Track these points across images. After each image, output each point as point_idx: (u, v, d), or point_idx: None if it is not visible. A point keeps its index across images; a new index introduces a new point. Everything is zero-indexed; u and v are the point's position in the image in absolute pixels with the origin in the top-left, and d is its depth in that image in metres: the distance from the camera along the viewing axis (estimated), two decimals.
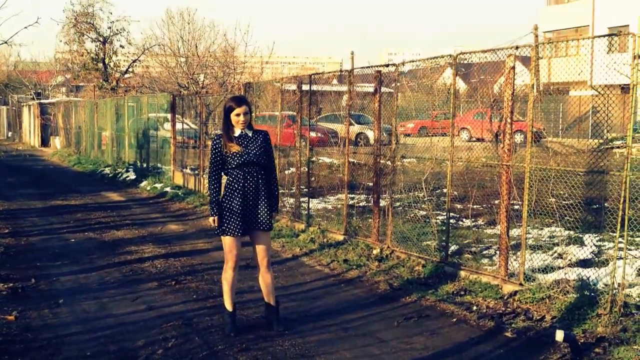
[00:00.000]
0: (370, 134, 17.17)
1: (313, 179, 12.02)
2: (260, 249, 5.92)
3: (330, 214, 11.44)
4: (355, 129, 17.97)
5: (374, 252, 8.91)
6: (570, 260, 7.68)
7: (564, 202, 8.50)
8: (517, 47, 6.99)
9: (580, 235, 8.86)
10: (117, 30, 32.91)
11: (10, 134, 45.17)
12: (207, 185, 5.92)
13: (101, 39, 32.85)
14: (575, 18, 37.74)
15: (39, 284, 7.65)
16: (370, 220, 9.77)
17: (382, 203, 9.46)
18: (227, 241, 5.82)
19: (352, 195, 11.12)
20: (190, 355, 5.36)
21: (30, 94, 44.03)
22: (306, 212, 11.01)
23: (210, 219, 5.87)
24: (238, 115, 5.75)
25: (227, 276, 5.88)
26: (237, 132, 5.81)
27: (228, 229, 5.78)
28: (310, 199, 11.33)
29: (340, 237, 9.80)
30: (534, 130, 7.03)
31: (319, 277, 8.11)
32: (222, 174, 5.87)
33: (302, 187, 11.44)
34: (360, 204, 11.47)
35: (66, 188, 17.49)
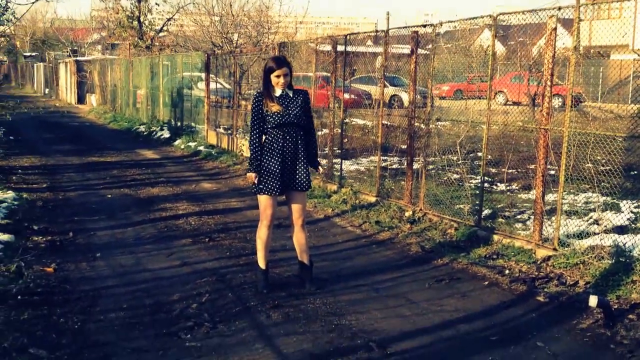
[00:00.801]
0: (405, 97, 17.00)
1: (346, 140, 11.99)
2: (296, 208, 5.95)
3: (363, 176, 11.43)
4: (390, 91, 17.81)
5: (406, 214, 8.90)
6: (606, 226, 7.58)
7: (601, 167, 8.36)
8: (559, 8, 6.80)
9: (617, 202, 8.73)
10: None
11: (47, 90, 45.75)
12: (248, 141, 5.94)
13: None
14: None
15: (77, 238, 7.82)
16: (402, 182, 9.74)
17: (416, 166, 9.41)
18: (263, 200, 5.86)
19: (385, 158, 11.07)
20: (223, 311, 5.45)
21: (67, 52, 44.43)
22: (339, 173, 11.02)
23: (250, 174, 5.89)
24: (278, 76, 5.74)
25: (262, 234, 5.94)
26: (278, 92, 5.80)
27: (265, 188, 5.81)
28: (343, 161, 11.33)
29: (373, 199, 9.80)
30: (573, 95, 6.88)
31: (350, 237, 8.15)
32: (263, 132, 5.88)
33: (335, 148, 11.43)
34: (393, 167, 11.43)
35: (102, 145, 17.74)
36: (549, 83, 6.96)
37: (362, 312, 5.48)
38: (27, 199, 9.78)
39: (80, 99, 35.67)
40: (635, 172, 10.05)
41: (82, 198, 10.35)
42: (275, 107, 5.77)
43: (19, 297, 5.63)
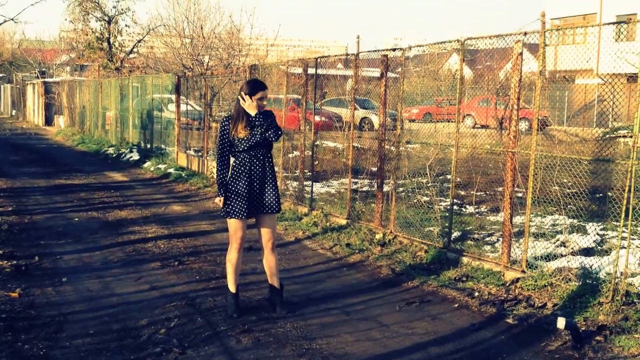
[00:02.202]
0: (375, 119, 17.13)
1: (317, 162, 12.02)
2: (265, 232, 5.93)
3: (334, 198, 11.45)
4: (360, 113, 17.95)
5: (377, 236, 8.93)
6: (572, 248, 7.69)
7: (567, 190, 8.50)
8: (525, 33, 6.95)
9: (583, 224, 8.87)
10: (123, 9, 32.82)
11: (14, 112, 45.14)
12: (215, 165, 5.92)
13: (106, 18, 32.74)
14: (583, 5, 37.46)
15: (43, 262, 7.69)
16: (373, 205, 9.78)
17: (386, 188, 9.46)
18: (232, 223, 5.84)
19: (356, 180, 11.12)
20: (192, 335, 5.39)
21: (35, 73, 43.96)
22: (309, 195, 11.02)
23: (217, 199, 5.89)
24: (261, 99, 5.76)
25: (232, 258, 5.90)
26: (253, 113, 5.77)
27: (233, 211, 5.79)
28: (314, 183, 11.34)
29: (343, 222, 9.82)
30: (539, 118, 7.00)
31: (321, 260, 8.14)
32: (230, 155, 5.88)
33: (306, 170, 11.44)
34: (364, 189, 11.48)
35: (70, 167, 17.52)
36: (515, 107, 7.07)
37: (333, 336, 5.46)
38: None
39: (48, 121, 35.26)
40: (601, 194, 10.23)
41: (48, 221, 10.18)
42: (243, 133, 5.77)
43: None
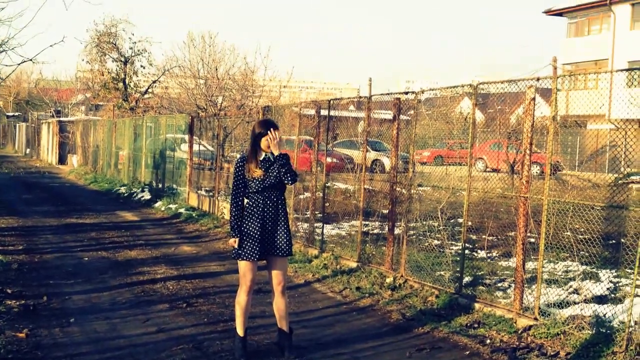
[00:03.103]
0: (386, 161, 17.14)
1: (327, 204, 12.00)
2: (276, 274, 5.89)
3: (344, 241, 11.39)
4: (372, 155, 17.97)
5: (387, 280, 8.84)
6: (585, 295, 7.57)
7: (580, 236, 8.40)
8: (538, 79, 6.97)
9: (596, 271, 8.75)
10: (139, 50, 33.29)
11: (28, 150, 45.63)
12: (229, 205, 5.91)
13: (122, 59, 33.23)
14: (595, 51, 37.70)
15: (51, 302, 7.65)
16: (384, 248, 9.71)
17: (397, 231, 9.41)
18: (243, 265, 5.80)
19: (367, 222, 11.07)
20: None
21: (50, 112, 44.56)
22: (320, 237, 10.97)
23: (231, 240, 5.85)
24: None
25: (241, 300, 5.85)
26: (262, 155, 5.81)
27: (244, 253, 5.76)
28: (325, 225, 11.30)
29: (354, 264, 9.75)
30: (551, 163, 6.98)
31: (331, 304, 8.05)
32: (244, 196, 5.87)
33: (317, 212, 11.42)
34: (375, 232, 11.42)
35: (81, 206, 17.59)
36: (528, 152, 7.05)
37: None
38: (2, 261, 9.60)
39: (62, 160, 35.58)
40: (614, 241, 10.12)
41: (58, 261, 10.18)
42: (257, 173, 5.78)
43: None
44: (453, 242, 10.44)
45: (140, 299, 7.97)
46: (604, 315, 6.57)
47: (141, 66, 33.66)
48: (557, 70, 7.12)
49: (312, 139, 11.70)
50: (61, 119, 38.45)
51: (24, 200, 18.83)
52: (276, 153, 5.76)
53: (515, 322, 6.90)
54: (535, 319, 6.78)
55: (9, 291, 7.91)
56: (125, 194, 20.51)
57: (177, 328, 6.75)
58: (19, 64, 12.32)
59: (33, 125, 44.92)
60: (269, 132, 5.76)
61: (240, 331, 5.89)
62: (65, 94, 48.89)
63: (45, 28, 22.41)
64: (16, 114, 55.66)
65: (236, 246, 5.80)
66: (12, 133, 54.29)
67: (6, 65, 14.54)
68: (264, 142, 5.78)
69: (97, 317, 7.10)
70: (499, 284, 8.59)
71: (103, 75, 33.69)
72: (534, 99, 7.06)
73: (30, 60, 11.70)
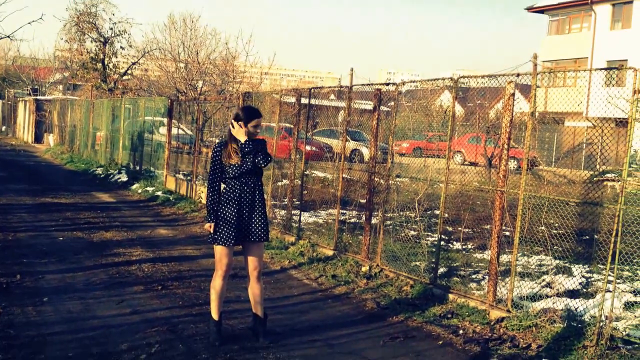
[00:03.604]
0: (365, 151, 17.18)
1: (306, 192, 12.01)
2: (252, 260, 5.89)
3: (321, 229, 11.42)
4: (351, 145, 18.02)
5: (363, 269, 8.89)
6: (558, 289, 7.69)
7: (554, 231, 8.52)
8: (518, 75, 7.03)
9: (569, 266, 8.89)
10: (119, 31, 32.91)
11: (4, 128, 44.98)
12: (205, 191, 5.89)
13: (102, 39, 32.83)
14: (575, 49, 38.08)
15: (24, 281, 7.59)
16: (360, 237, 9.76)
17: (374, 221, 9.45)
18: (219, 250, 5.80)
19: (344, 211, 11.11)
20: None
21: (27, 90, 43.91)
22: (297, 225, 10.99)
23: (207, 224, 5.85)
24: (255, 126, 5.77)
25: (216, 285, 5.85)
26: (243, 139, 5.78)
27: (220, 238, 5.76)
28: (302, 212, 11.31)
29: (330, 252, 9.78)
30: (528, 158, 7.05)
31: (306, 291, 8.08)
32: (221, 181, 5.87)
33: (295, 199, 11.43)
34: (352, 220, 11.46)
35: (57, 186, 17.41)
36: (506, 146, 7.12)
37: None
38: None
39: (38, 138, 35.14)
40: (587, 237, 10.27)
41: (32, 239, 10.08)
42: (234, 159, 5.77)
43: None
44: (429, 234, 10.52)
45: (115, 280, 7.93)
46: (576, 309, 6.68)
47: (121, 47, 33.32)
48: (537, 67, 7.19)
49: (292, 126, 11.69)
50: (38, 97, 37.92)
51: None
52: (242, 140, 5.74)
53: (489, 314, 6.99)
54: (508, 311, 6.87)
55: None
56: (102, 175, 20.34)
57: (151, 310, 6.74)
58: None
59: (9, 102, 44.27)
60: (230, 123, 5.78)
61: (215, 315, 5.89)
62: (43, 73, 48.19)
63: (24, 5, 22.00)
64: None
65: (211, 231, 5.79)
66: None
67: None
68: (251, 128, 5.77)
69: (71, 297, 7.06)
70: (473, 276, 8.68)
71: (82, 55, 33.28)
72: (513, 94, 7.12)
73: (8, 37, 11.51)
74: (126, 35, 33.06)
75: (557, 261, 8.68)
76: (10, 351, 5.32)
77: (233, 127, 5.79)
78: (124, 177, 19.04)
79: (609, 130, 7.77)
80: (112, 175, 19.77)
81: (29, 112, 36.38)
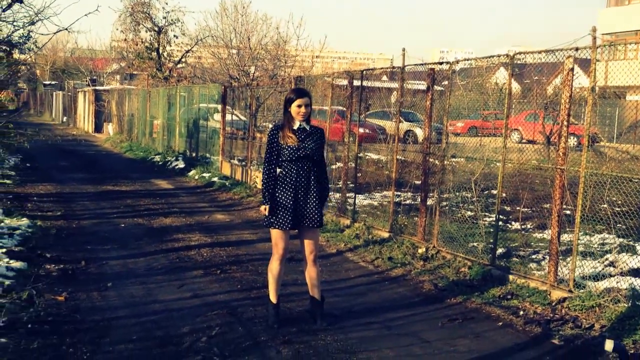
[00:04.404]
0: (419, 132, 17.01)
1: (360, 174, 11.98)
2: (308, 244, 5.92)
3: (376, 211, 11.39)
4: (404, 126, 17.84)
5: (420, 251, 8.84)
6: (622, 268, 7.48)
7: (617, 208, 8.28)
8: (577, 49, 6.81)
9: (634, 244, 8.63)
10: (172, 20, 33.30)
11: (65, 119, 46.26)
12: (262, 173, 5.94)
13: (156, 28, 33.31)
14: (635, 21, 36.69)
15: (89, 267, 7.82)
16: (416, 218, 9.69)
17: (429, 202, 9.37)
18: (275, 234, 5.84)
19: (399, 193, 11.04)
20: (233, 345, 5.40)
21: (86, 81, 45.03)
22: (352, 207, 10.98)
23: (262, 207, 5.89)
24: (299, 106, 5.77)
25: (273, 268, 5.91)
26: (296, 124, 5.82)
27: (277, 222, 5.79)
28: (357, 195, 11.30)
29: (386, 235, 9.75)
30: (589, 135, 6.85)
31: (362, 273, 8.09)
32: (277, 165, 5.90)
33: (349, 182, 11.42)
34: (407, 202, 11.39)
35: (117, 174, 17.84)
36: (565, 123, 6.93)
37: (373, 350, 5.41)
38: (41, 227, 9.81)
39: (98, 128, 36.02)
40: None
41: (95, 227, 10.37)
42: (291, 140, 5.78)
43: (30, 325, 5.62)
44: (486, 214, 10.36)
45: (175, 265, 8.10)
46: None
47: (174, 36, 33.73)
48: (596, 40, 6.96)
49: (344, 109, 11.66)
50: (97, 87, 38.83)
51: (61, 167, 19.16)
52: (295, 125, 5.77)
53: (550, 294, 6.86)
54: (570, 291, 6.73)
55: (48, 255, 8.11)
56: (160, 163, 20.74)
57: (211, 294, 6.86)
58: (55, 33, 12.38)
59: (69, 93, 45.45)
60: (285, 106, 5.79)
61: (273, 298, 5.96)
62: (100, 63, 49.33)
63: None
64: (53, 82, 56.37)
65: (267, 214, 5.83)
66: (49, 101, 55.06)
67: (42, 34, 14.67)
68: (294, 109, 5.78)
69: (133, 282, 7.24)
70: (533, 256, 8.52)
71: (137, 45, 33.85)
72: (572, 69, 6.91)
73: (66, 29, 11.74)
74: (179, 24, 33.44)
75: (621, 239, 8.43)
76: (77, 335, 5.50)
77: (289, 107, 5.82)
78: (181, 164, 19.37)
79: None
80: (169, 162, 20.14)
81: (88, 103, 37.31)
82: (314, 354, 5.27)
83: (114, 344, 5.34)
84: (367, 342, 5.60)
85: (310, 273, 5.98)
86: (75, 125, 41.47)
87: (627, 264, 7.56)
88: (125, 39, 34.38)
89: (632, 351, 5.42)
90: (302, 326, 5.90)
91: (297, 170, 5.81)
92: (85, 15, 9.90)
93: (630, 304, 6.22)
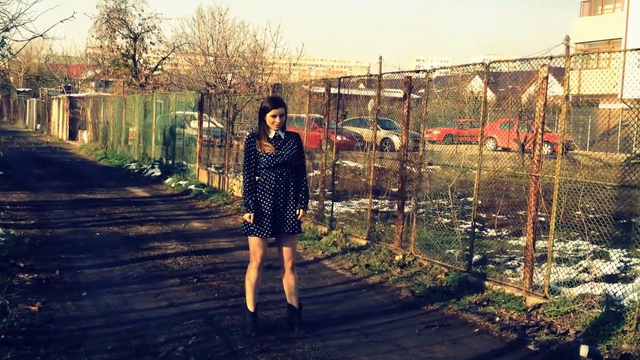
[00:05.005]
0: (396, 140, 17.09)
1: (337, 182, 12.01)
2: (286, 251, 5.91)
3: (354, 218, 11.41)
4: (381, 134, 17.92)
5: (397, 258, 8.87)
6: (595, 274, 7.58)
7: (591, 215, 8.38)
8: (551, 58, 6.91)
9: (607, 250, 8.74)
10: (148, 27, 33.18)
11: (39, 126, 45.76)
12: (242, 182, 5.92)
13: (132, 35, 33.15)
14: (608, 30, 37.31)
15: (63, 276, 7.73)
16: (393, 226, 9.73)
17: (407, 209, 9.41)
18: (253, 241, 5.83)
19: (376, 201, 11.08)
20: (210, 354, 5.37)
21: (60, 88, 44.59)
22: (329, 215, 11.00)
23: (246, 215, 5.85)
24: (274, 116, 5.76)
25: (251, 276, 5.89)
26: (272, 133, 5.82)
27: (256, 230, 5.78)
28: (334, 202, 11.32)
29: (363, 242, 9.77)
30: (563, 142, 6.94)
31: (340, 281, 8.09)
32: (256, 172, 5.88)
33: (326, 189, 11.43)
34: (384, 210, 11.43)
35: (92, 182, 17.67)
36: (540, 131, 7.02)
37: (351, 358, 5.41)
38: (14, 236, 9.68)
39: (72, 135, 35.67)
40: (625, 220, 10.08)
41: (70, 235, 10.26)
42: (268, 148, 5.78)
43: (2, 336, 5.53)
44: (463, 221, 10.43)
45: (152, 273, 8.04)
46: (614, 294, 6.58)
47: (151, 43, 33.61)
48: (569, 49, 7.07)
49: (322, 117, 11.68)
50: (71, 94, 38.46)
51: (35, 175, 18.93)
52: (270, 134, 5.77)
53: (525, 300, 6.92)
54: (545, 297, 6.80)
55: (21, 265, 7.99)
56: (136, 170, 20.59)
57: (188, 303, 6.81)
58: (29, 40, 12.28)
59: (43, 100, 44.98)
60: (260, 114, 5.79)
61: (250, 307, 5.93)
62: (75, 70, 48.87)
63: (55, 3, 22.32)
64: (26, 89, 55.73)
65: (251, 221, 5.80)
66: (22, 108, 54.44)
67: (17, 41, 14.50)
68: (268, 118, 5.78)
69: (109, 291, 7.17)
70: (509, 263, 8.60)
71: (113, 51, 33.66)
72: (546, 77, 7.01)
73: (41, 35, 11.66)
74: (156, 31, 33.33)
75: (594, 246, 8.54)
76: (51, 345, 5.43)
77: (264, 116, 5.81)
78: (157, 172, 19.25)
79: None
80: (145, 170, 20.00)
81: (62, 110, 36.94)
82: None
83: (89, 354, 5.28)
84: (345, 349, 5.60)
85: (288, 280, 5.97)
86: (50, 133, 41.02)
87: (600, 270, 7.66)
88: (101, 46, 34.18)
89: (606, 356, 5.49)
90: (280, 334, 5.88)
91: (275, 177, 5.81)
92: (61, 21, 9.86)
93: (604, 309, 6.30)
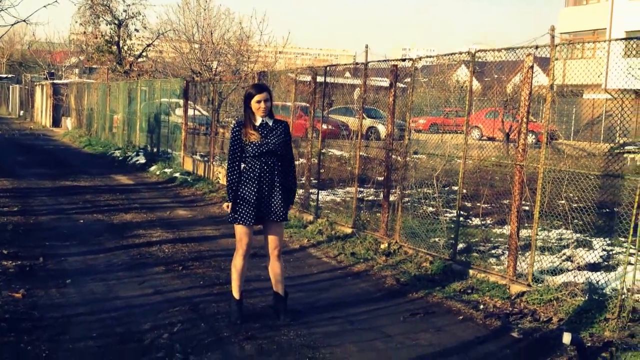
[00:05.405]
0: (382, 128, 17.12)
1: (323, 170, 12.02)
2: (272, 239, 5.91)
3: (339, 207, 11.43)
4: (367, 122, 17.94)
5: (382, 246, 8.90)
6: (579, 263, 7.65)
7: (574, 204, 8.45)
8: (536, 47, 6.93)
9: (590, 239, 8.83)
10: (133, 13, 32.90)
11: (22, 112, 45.31)
12: (226, 170, 5.91)
13: (116, 21, 32.85)
14: (593, 20, 37.48)
15: (47, 263, 7.68)
16: (378, 214, 9.75)
17: (392, 198, 9.44)
18: (239, 229, 5.82)
19: (361, 189, 11.10)
20: (195, 341, 5.37)
21: (44, 74, 44.14)
22: (315, 203, 11.00)
23: (225, 204, 5.87)
24: (259, 102, 5.73)
25: (237, 264, 5.88)
26: (258, 120, 5.80)
27: (240, 218, 5.77)
28: (320, 191, 11.32)
29: (349, 230, 9.79)
30: (547, 132, 6.98)
31: (326, 269, 8.11)
32: (241, 161, 5.86)
33: (312, 178, 11.43)
34: (370, 198, 11.45)
35: (76, 169, 17.55)
36: (524, 120, 7.05)
37: (336, 345, 5.43)
38: None
39: (56, 122, 35.36)
40: (608, 210, 10.18)
41: (54, 222, 10.19)
42: (254, 136, 5.76)
43: None
44: (448, 210, 10.49)
45: (136, 261, 8.01)
46: (597, 283, 6.65)
47: (135, 29, 33.33)
48: (554, 39, 7.10)
49: (307, 105, 11.66)
50: (55, 81, 38.08)
51: (18, 162, 18.76)
52: (256, 121, 5.75)
53: (509, 288, 6.98)
54: (529, 285, 6.86)
55: (4, 252, 7.94)
56: (120, 158, 20.47)
57: (173, 290, 6.80)
58: (12, 25, 12.16)
59: (27, 87, 44.53)
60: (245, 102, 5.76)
61: (236, 294, 5.93)
62: (59, 57, 48.37)
63: None
64: (9, 75, 55.13)
65: (230, 210, 5.80)
66: (5, 95, 53.85)
67: None
68: (254, 104, 5.75)
69: (93, 278, 7.14)
70: (493, 251, 8.66)
71: (97, 38, 33.35)
72: (532, 67, 7.03)
73: (24, 21, 11.54)
74: (140, 17, 33.07)
75: (578, 235, 8.62)
76: (35, 332, 5.40)
77: (250, 103, 5.79)
78: (142, 159, 19.15)
79: (629, 101, 7.67)
80: (130, 158, 19.88)
81: (46, 97, 36.59)
82: (277, 350, 5.27)
83: (74, 341, 5.26)
84: (331, 337, 5.62)
85: (274, 268, 5.97)
86: (33, 120, 40.63)
87: (583, 259, 7.73)
88: (85, 32, 33.86)
89: (589, 344, 5.55)
90: (266, 322, 5.89)
91: (260, 166, 5.79)
92: (44, 6, 9.76)
93: (586, 297, 6.37)
